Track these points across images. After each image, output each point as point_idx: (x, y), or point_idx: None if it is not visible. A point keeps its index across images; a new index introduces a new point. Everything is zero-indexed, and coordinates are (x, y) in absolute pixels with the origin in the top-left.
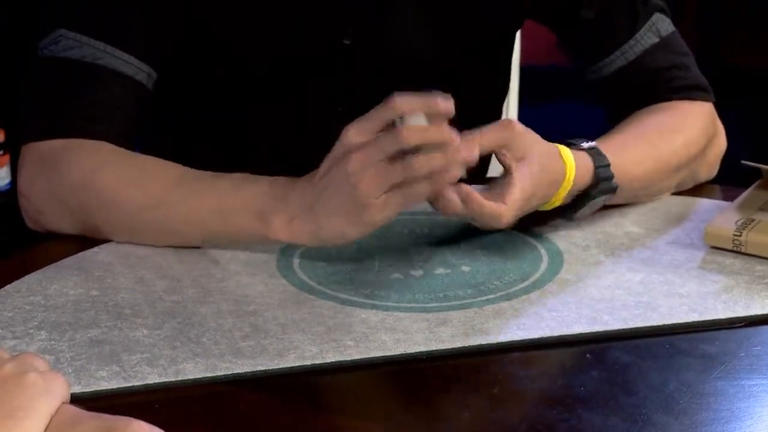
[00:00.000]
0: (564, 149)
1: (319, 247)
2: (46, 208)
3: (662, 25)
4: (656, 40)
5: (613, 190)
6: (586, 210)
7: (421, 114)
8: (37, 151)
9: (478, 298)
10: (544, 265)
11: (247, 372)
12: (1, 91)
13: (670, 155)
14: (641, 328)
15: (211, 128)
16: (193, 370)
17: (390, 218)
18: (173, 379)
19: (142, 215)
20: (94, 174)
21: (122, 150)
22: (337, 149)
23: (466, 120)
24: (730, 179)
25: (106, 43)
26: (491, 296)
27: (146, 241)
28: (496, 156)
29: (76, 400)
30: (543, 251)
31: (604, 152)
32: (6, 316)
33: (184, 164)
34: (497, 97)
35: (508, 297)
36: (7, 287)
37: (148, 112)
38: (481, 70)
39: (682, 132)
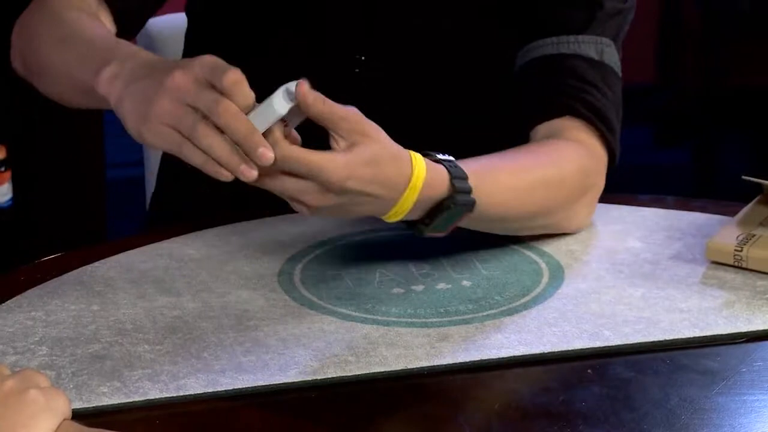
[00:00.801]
0: (416, 156)
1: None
2: (16, 38)
3: (609, 52)
4: (594, 57)
5: (470, 204)
6: (440, 223)
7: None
8: None
9: (479, 313)
10: (545, 280)
11: (248, 387)
12: (1, 110)
13: (543, 186)
14: (642, 343)
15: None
16: (194, 386)
17: (157, 147)
18: (174, 395)
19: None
20: (51, 22)
21: (84, 5)
22: (183, 62)
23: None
24: (730, 195)
25: None
26: (492, 311)
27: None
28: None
29: (78, 416)
30: (544, 266)
31: (462, 167)
32: (7, 332)
33: None
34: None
35: (509, 312)
36: (9, 302)
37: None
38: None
39: (560, 167)
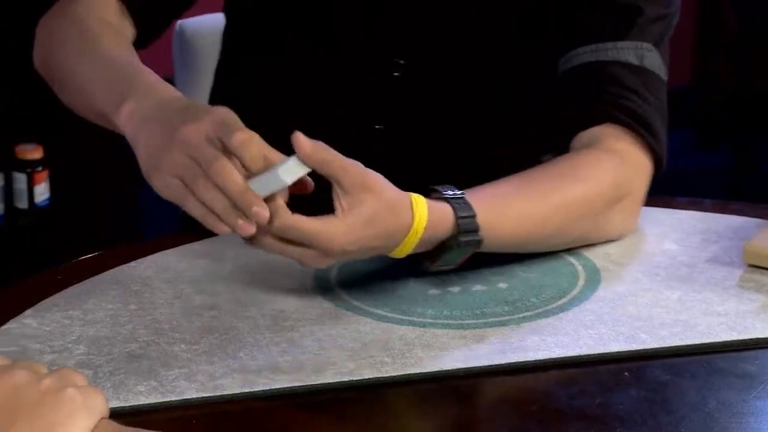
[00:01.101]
0: (418, 198)
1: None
2: (37, 41)
3: (650, 57)
4: (635, 62)
5: (476, 243)
6: (446, 260)
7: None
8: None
9: (515, 315)
10: (581, 283)
11: (284, 388)
12: (39, 110)
13: (562, 207)
14: (680, 346)
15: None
16: (230, 386)
17: (163, 196)
18: (211, 395)
19: (68, 75)
20: (68, 31)
21: (109, 13)
22: (195, 113)
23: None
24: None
25: None
26: (528, 313)
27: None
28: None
29: (115, 414)
30: (580, 268)
31: (472, 202)
32: (45, 331)
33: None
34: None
35: (546, 314)
36: (46, 301)
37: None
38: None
39: (586, 182)
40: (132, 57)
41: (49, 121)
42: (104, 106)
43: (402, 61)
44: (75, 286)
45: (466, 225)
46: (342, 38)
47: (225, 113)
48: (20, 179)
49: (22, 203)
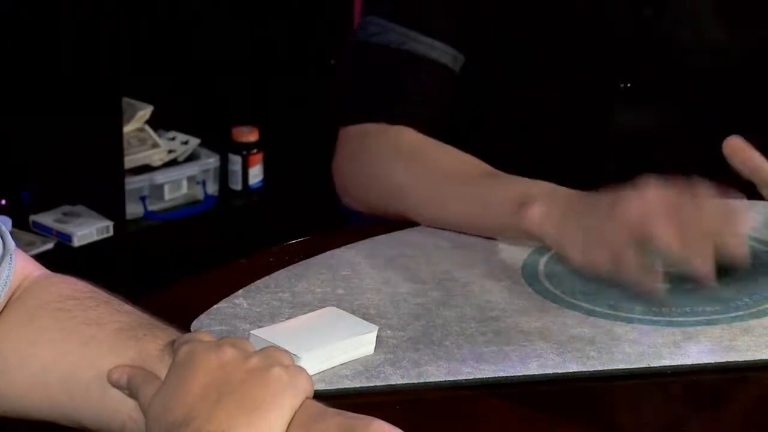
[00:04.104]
0: None
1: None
2: (350, 190)
3: None
4: None
5: None
6: None
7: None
8: (346, 134)
9: (726, 315)
10: None
11: (489, 377)
12: (255, 90)
13: None
14: None
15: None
16: (435, 373)
17: (597, 267)
18: (416, 381)
19: (422, 210)
20: (389, 166)
21: (417, 139)
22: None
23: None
24: None
25: (408, 29)
26: (740, 313)
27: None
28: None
29: (320, 396)
30: None
31: None
32: (255, 312)
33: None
34: None
35: (758, 315)
36: (257, 283)
37: (456, 93)
38: None
39: None
40: (479, 162)
41: (264, 103)
42: (488, 219)
43: (628, 85)
44: (285, 269)
45: None
46: (564, 62)
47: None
48: (235, 161)
49: (236, 185)
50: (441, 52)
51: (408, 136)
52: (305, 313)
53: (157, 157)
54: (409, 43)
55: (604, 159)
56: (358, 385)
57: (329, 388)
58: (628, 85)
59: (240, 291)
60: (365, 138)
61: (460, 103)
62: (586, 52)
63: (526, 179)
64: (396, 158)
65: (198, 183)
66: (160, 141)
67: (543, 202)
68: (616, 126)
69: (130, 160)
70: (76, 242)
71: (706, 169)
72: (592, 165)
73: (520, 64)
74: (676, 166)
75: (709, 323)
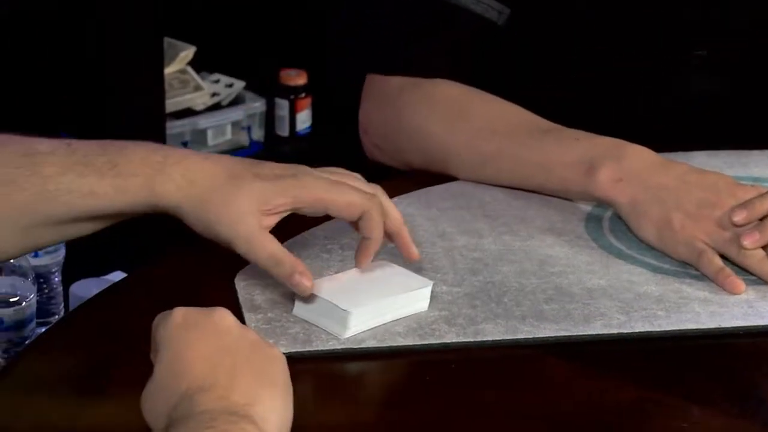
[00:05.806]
0: None
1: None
2: (382, 144)
3: None
4: None
5: None
6: None
7: None
8: (378, 85)
9: None
10: None
11: (549, 337)
12: (306, 33)
13: None
14: None
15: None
16: (492, 332)
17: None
18: (472, 340)
19: (470, 172)
20: (427, 121)
21: (458, 92)
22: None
23: None
24: None
25: None
26: None
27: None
28: None
29: (371, 354)
30: None
31: None
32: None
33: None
34: None
35: None
36: (305, 233)
37: (499, 49)
38: None
39: None
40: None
41: (313, 46)
42: (559, 188)
43: (704, 53)
44: (334, 219)
45: None
46: (638, 31)
47: None
48: (282, 106)
49: (283, 131)
50: (485, 6)
51: (447, 90)
52: (353, 267)
53: (200, 100)
54: None
55: (674, 125)
56: (411, 343)
57: (380, 345)
58: (704, 52)
59: (287, 242)
60: (401, 94)
61: (502, 60)
62: (659, 17)
63: (588, 135)
64: (436, 114)
65: (243, 128)
66: (203, 83)
67: (612, 166)
68: (689, 93)
69: (172, 104)
70: None
71: None
72: (660, 130)
73: (590, 24)
74: (747, 134)
75: None
